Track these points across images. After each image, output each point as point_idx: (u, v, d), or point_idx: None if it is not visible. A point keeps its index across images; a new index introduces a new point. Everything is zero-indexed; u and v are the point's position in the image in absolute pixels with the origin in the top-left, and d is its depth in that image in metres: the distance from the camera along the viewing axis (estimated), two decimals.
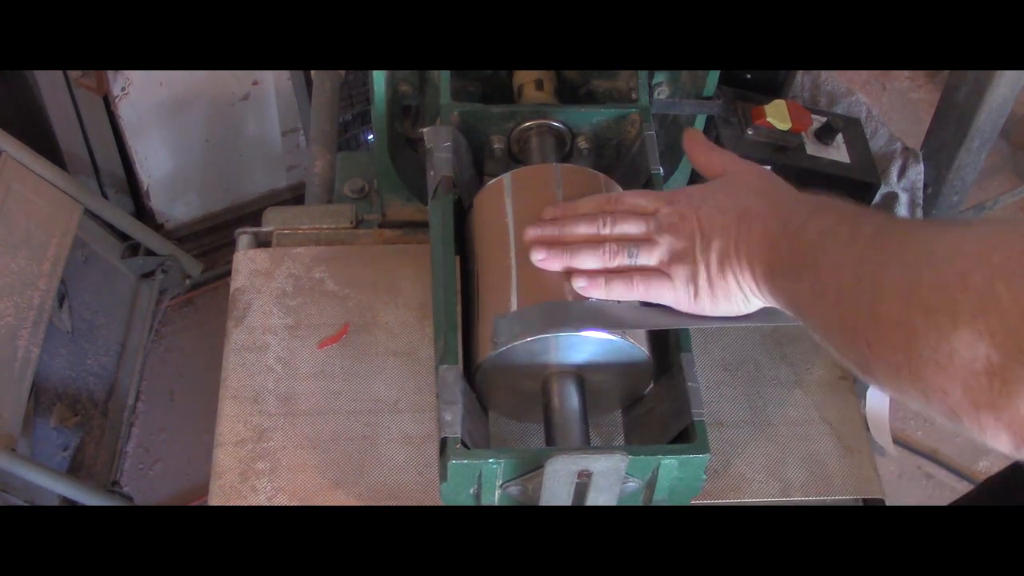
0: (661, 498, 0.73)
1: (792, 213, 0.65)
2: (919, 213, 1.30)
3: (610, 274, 0.71)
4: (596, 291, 0.71)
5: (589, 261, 0.72)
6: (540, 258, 0.72)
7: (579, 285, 0.71)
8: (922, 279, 0.52)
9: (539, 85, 0.92)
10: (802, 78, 1.32)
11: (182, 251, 2.00)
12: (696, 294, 0.69)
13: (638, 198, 0.73)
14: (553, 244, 0.73)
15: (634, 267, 0.71)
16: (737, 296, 0.68)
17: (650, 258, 0.70)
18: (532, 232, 0.74)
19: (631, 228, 0.71)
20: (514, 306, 0.73)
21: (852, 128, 1.19)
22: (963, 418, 0.51)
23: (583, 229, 0.73)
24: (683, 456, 0.70)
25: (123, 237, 1.92)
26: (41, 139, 1.74)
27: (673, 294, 0.70)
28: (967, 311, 0.50)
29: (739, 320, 0.71)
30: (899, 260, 0.55)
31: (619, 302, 0.73)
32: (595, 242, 0.72)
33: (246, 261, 0.96)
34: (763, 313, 0.70)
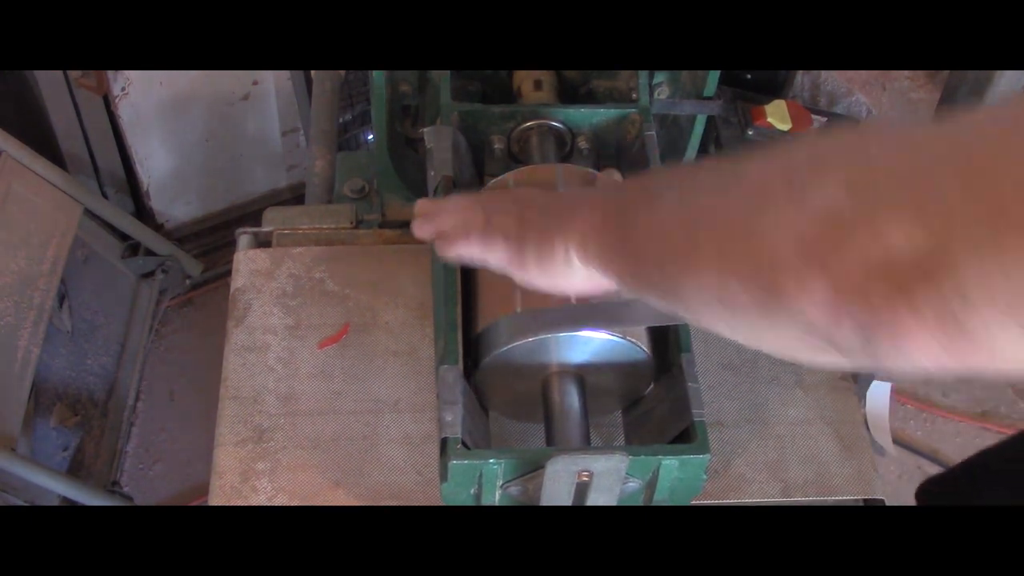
0: (661, 498, 0.73)
1: (640, 181, 0.67)
2: None
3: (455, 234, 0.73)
4: (445, 246, 0.73)
5: (446, 221, 0.74)
6: (415, 224, 0.75)
7: (437, 244, 0.74)
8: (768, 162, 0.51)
9: (539, 85, 0.92)
10: (802, 78, 1.32)
11: (182, 251, 2.00)
12: (526, 268, 0.69)
13: (493, 199, 0.75)
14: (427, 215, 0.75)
15: (484, 228, 0.72)
16: (560, 271, 0.68)
17: (500, 223, 0.71)
18: (421, 205, 0.76)
19: (497, 206, 0.73)
20: (518, 306, 0.73)
21: None
22: (782, 280, 0.47)
23: (455, 203, 0.75)
24: (683, 456, 0.70)
25: (123, 237, 1.92)
26: (41, 139, 1.74)
27: (505, 254, 0.70)
28: (835, 164, 0.47)
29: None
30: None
31: (619, 303, 0.74)
32: (460, 210, 0.74)
33: (246, 261, 0.96)
34: None
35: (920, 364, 0.44)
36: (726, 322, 0.53)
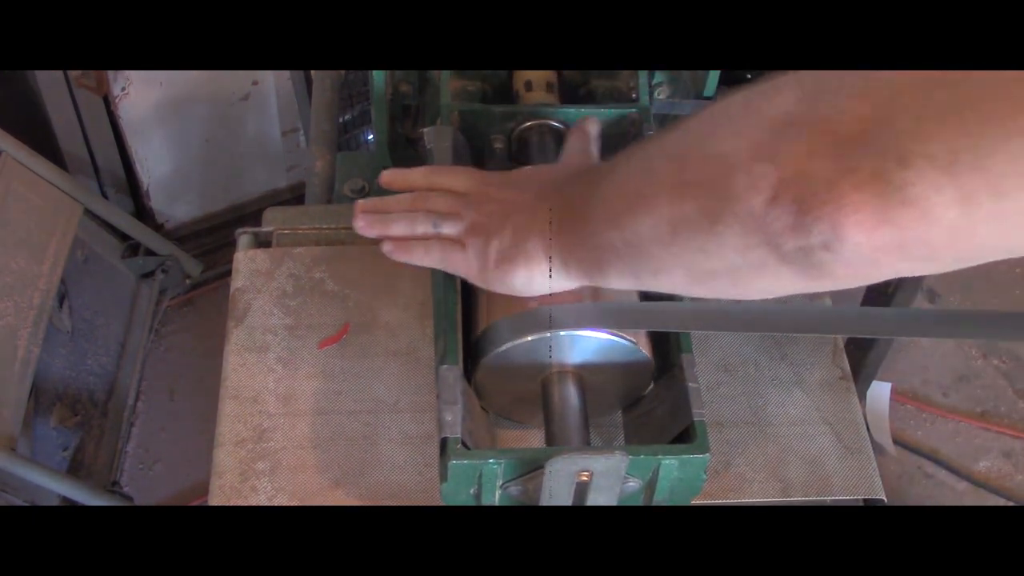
0: (661, 498, 0.73)
1: (600, 167, 0.67)
2: None
3: (414, 241, 0.75)
4: (399, 255, 0.75)
5: (398, 228, 0.76)
6: (359, 226, 0.77)
7: (385, 249, 0.76)
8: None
9: (539, 85, 0.92)
10: None
11: (182, 251, 2.00)
12: (484, 265, 0.71)
13: (456, 179, 0.76)
14: (375, 213, 0.77)
15: (436, 235, 0.74)
16: (522, 273, 0.69)
17: (452, 229, 0.73)
18: (361, 204, 0.78)
19: (441, 203, 0.75)
20: (519, 306, 0.73)
21: None
22: (733, 178, 0.49)
23: (403, 203, 0.77)
24: (683, 456, 0.71)
25: (123, 237, 1.92)
26: (41, 139, 1.74)
27: (465, 264, 0.72)
28: (791, 84, 0.50)
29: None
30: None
31: (619, 303, 0.74)
32: (409, 211, 0.76)
33: (246, 261, 0.96)
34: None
35: (857, 245, 0.45)
36: (676, 256, 0.55)
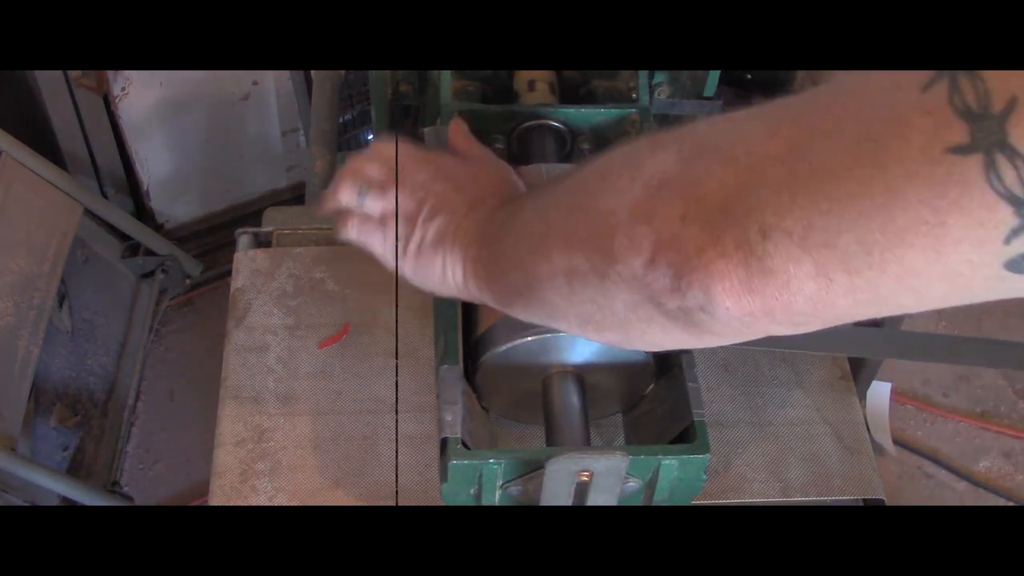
0: (661, 498, 0.73)
1: (516, 200, 0.67)
2: None
3: (340, 215, 0.72)
4: (335, 229, 0.72)
5: (327, 196, 0.72)
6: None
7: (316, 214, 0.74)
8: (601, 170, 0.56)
9: (539, 85, 0.92)
10: (802, 78, 1.32)
11: (182, 251, 2.00)
12: (403, 256, 0.69)
13: (390, 147, 0.73)
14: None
15: (359, 209, 0.71)
16: (437, 274, 0.68)
17: (375, 205, 0.70)
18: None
19: (375, 172, 0.71)
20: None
21: None
22: (616, 238, 0.51)
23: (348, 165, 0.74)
24: (683, 456, 0.71)
25: (123, 237, 1.92)
26: (41, 139, 1.74)
27: (381, 248, 0.70)
28: (668, 141, 0.52)
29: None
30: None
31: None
32: (345, 175, 0.72)
33: (246, 261, 0.96)
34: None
35: (727, 310, 0.47)
36: (574, 306, 0.57)
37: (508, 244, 0.62)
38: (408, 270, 0.69)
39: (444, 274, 0.67)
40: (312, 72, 1.49)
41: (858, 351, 0.71)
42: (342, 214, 0.72)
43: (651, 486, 0.73)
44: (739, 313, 0.47)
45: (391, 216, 0.69)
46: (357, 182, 0.71)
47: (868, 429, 0.90)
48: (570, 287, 0.55)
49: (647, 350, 0.57)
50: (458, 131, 0.80)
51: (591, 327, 0.57)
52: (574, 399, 0.75)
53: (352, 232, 0.71)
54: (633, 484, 0.72)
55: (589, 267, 0.53)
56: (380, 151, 0.73)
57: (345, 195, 0.71)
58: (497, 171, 0.75)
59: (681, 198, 0.48)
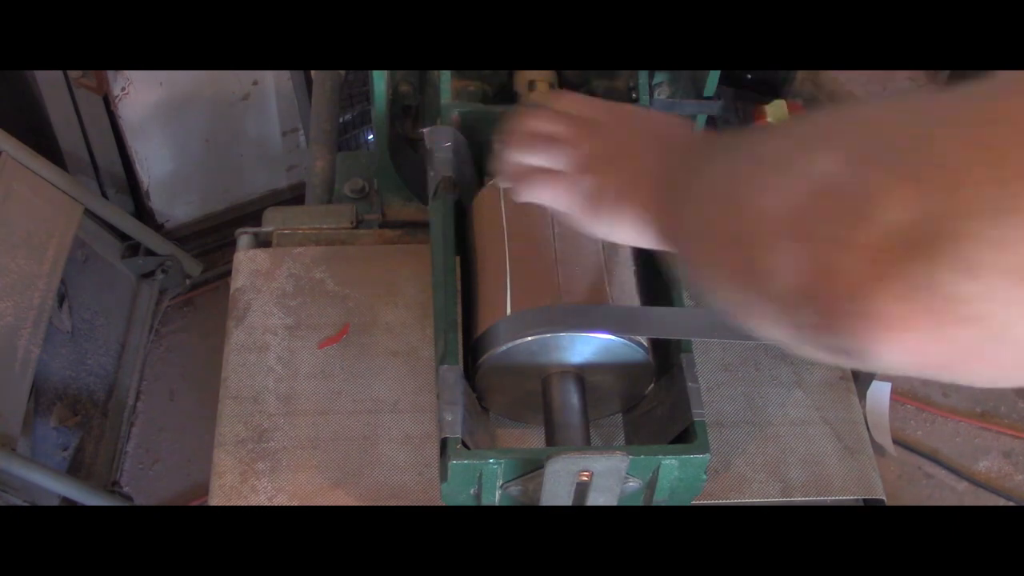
0: (661, 498, 0.73)
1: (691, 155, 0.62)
2: None
3: (523, 174, 0.69)
4: (518, 195, 0.69)
5: (514, 156, 0.69)
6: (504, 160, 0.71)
7: (502, 185, 0.71)
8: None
9: (539, 85, 0.92)
10: (802, 78, 1.32)
11: (182, 251, 2.00)
12: (583, 205, 0.65)
13: (582, 104, 0.71)
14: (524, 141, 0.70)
15: (544, 168, 0.68)
16: (628, 223, 0.64)
17: (566, 161, 0.67)
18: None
19: (563, 128, 0.68)
20: (508, 309, 0.73)
21: None
22: (763, 249, 0.43)
23: (527, 124, 0.70)
24: (683, 456, 0.71)
25: (123, 237, 1.92)
26: (41, 139, 1.74)
27: (568, 199, 0.66)
28: (829, 135, 0.44)
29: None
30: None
31: (622, 308, 0.74)
32: (530, 138, 0.69)
33: (246, 261, 0.96)
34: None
35: (890, 359, 0.39)
36: (733, 291, 0.49)
37: (687, 213, 0.56)
38: (586, 220, 0.66)
39: (622, 224, 0.63)
40: (312, 72, 1.49)
41: None
42: (524, 174, 0.68)
43: (651, 486, 0.73)
44: (911, 365, 0.38)
45: (578, 169, 0.66)
46: (547, 143, 0.67)
47: (868, 429, 0.90)
48: (732, 277, 0.48)
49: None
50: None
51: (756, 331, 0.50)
52: (574, 399, 0.75)
53: (541, 190, 0.67)
54: (633, 484, 0.72)
55: (730, 271, 0.47)
56: (556, 103, 0.70)
57: (528, 154, 0.68)
58: (664, 115, 0.71)
59: (847, 214, 0.39)
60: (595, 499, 0.71)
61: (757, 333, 0.47)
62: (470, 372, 0.75)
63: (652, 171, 0.63)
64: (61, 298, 1.74)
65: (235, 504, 0.81)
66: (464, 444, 0.70)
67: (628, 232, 0.65)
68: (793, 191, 0.42)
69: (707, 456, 0.71)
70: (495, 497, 0.72)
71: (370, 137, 1.62)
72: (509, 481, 0.71)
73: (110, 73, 1.74)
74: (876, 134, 0.41)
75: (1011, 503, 1.84)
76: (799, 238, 0.41)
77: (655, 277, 0.80)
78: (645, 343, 0.75)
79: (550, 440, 0.74)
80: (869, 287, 0.37)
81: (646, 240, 0.64)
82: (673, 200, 0.60)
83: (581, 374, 0.76)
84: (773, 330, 0.45)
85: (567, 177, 0.67)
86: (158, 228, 2.03)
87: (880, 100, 0.47)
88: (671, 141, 0.65)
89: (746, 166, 0.49)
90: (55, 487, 1.54)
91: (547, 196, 0.68)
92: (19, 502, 1.51)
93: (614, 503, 0.72)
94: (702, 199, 0.54)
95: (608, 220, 0.65)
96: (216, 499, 0.82)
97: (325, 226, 1.00)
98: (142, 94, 1.81)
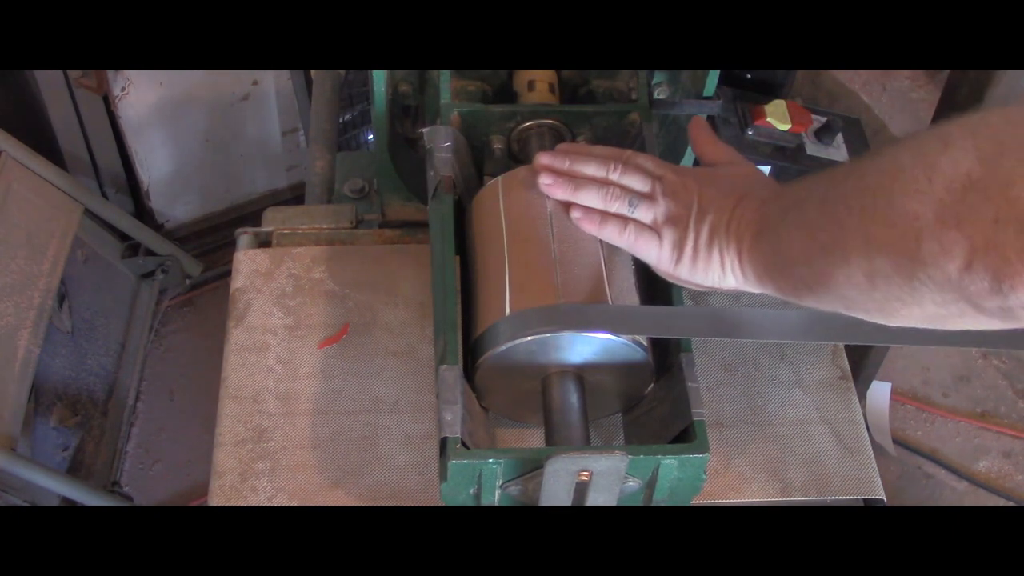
0: (661, 498, 0.73)
1: (786, 195, 0.68)
2: None
3: (607, 215, 0.74)
4: (591, 226, 0.75)
5: (591, 198, 0.75)
6: (547, 183, 0.76)
7: (575, 216, 0.75)
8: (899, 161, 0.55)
9: (539, 85, 0.92)
10: (802, 78, 1.32)
11: (182, 251, 2.00)
12: (679, 259, 0.72)
13: (647, 161, 0.76)
14: (561, 174, 0.76)
15: (629, 217, 0.74)
16: (716, 270, 0.71)
17: (647, 214, 0.73)
18: (544, 159, 0.77)
19: (636, 182, 0.74)
20: (507, 309, 0.73)
21: (852, 128, 1.19)
22: (923, 243, 0.51)
23: (592, 169, 0.76)
24: (683, 456, 0.71)
25: (123, 237, 1.92)
26: (41, 139, 1.74)
27: (658, 253, 0.73)
28: (962, 137, 0.51)
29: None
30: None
31: (619, 304, 0.74)
32: (600, 184, 0.75)
33: (246, 261, 0.96)
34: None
35: None
36: (876, 302, 0.57)
37: (792, 239, 0.63)
38: (685, 271, 0.72)
39: (723, 268, 0.70)
40: (312, 72, 1.49)
41: (854, 338, 0.71)
42: (612, 218, 0.74)
43: (651, 486, 0.73)
44: None
45: (664, 222, 0.72)
46: (625, 192, 0.74)
47: (868, 429, 0.90)
48: (871, 285, 0.56)
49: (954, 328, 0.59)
50: (700, 131, 0.81)
51: (896, 319, 0.58)
52: (573, 399, 0.75)
53: (628, 238, 0.73)
54: (633, 484, 0.72)
55: (893, 270, 0.54)
56: (630, 158, 0.76)
57: (617, 204, 0.74)
58: (749, 168, 0.76)
59: (991, 201, 0.48)
60: (595, 499, 0.71)
61: (898, 319, 0.57)
62: (469, 372, 0.75)
63: (748, 226, 0.69)
64: (61, 298, 1.74)
65: (235, 504, 0.81)
66: (464, 444, 0.70)
67: (735, 279, 0.70)
68: (935, 190, 0.50)
69: (707, 456, 0.71)
70: (495, 497, 0.72)
71: (370, 137, 1.62)
72: (509, 481, 0.71)
73: (110, 73, 1.74)
74: (1001, 130, 0.50)
75: (1011, 503, 1.84)
76: (954, 227, 0.49)
77: (655, 277, 0.80)
78: (645, 343, 0.75)
79: (550, 440, 0.74)
80: (941, 226, 0.48)
81: (750, 285, 0.70)
82: (772, 229, 0.66)
83: (581, 374, 0.76)
84: (937, 309, 0.53)
85: (650, 228, 0.73)
86: (158, 228, 2.03)
87: (992, 109, 0.55)
88: (749, 191, 0.71)
89: (879, 179, 0.56)
90: (55, 487, 1.54)
91: (637, 246, 0.73)
92: (19, 502, 1.51)
93: (614, 503, 0.72)
94: (817, 224, 0.60)
95: (709, 267, 0.71)
96: (216, 499, 0.82)
97: (325, 226, 1.00)
98: (142, 94, 1.81)
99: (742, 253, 0.69)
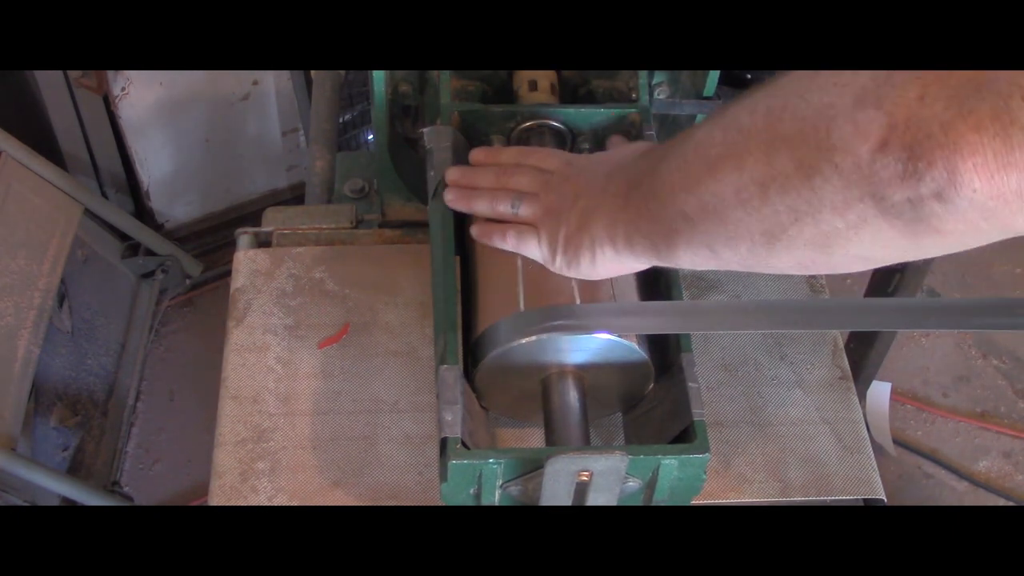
0: (661, 498, 0.73)
1: (673, 138, 0.64)
2: None
3: (493, 223, 0.75)
4: (483, 238, 0.75)
5: (480, 206, 0.76)
6: (449, 199, 0.78)
7: (473, 233, 0.76)
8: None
9: (539, 85, 0.92)
10: None
11: (182, 251, 2.00)
12: (554, 252, 0.70)
13: (547, 157, 0.76)
14: (464, 187, 0.77)
15: (514, 218, 0.73)
16: (586, 255, 0.68)
17: (529, 211, 0.72)
18: (451, 174, 0.79)
19: (524, 181, 0.74)
20: (508, 309, 0.73)
21: None
22: (835, 128, 0.47)
23: (489, 179, 0.77)
24: (683, 456, 0.71)
25: (123, 237, 1.92)
26: (41, 139, 1.74)
27: (539, 250, 0.72)
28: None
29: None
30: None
31: (620, 304, 0.74)
32: (490, 191, 0.75)
33: (246, 261, 0.96)
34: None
35: (974, 192, 0.43)
36: (764, 222, 0.53)
37: (672, 176, 0.59)
38: (564, 265, 0.70)
39: (593, 252, 0.67)
40: (312, 72, 1.49)
41: (860, 324, 0.66)
42: (495, 225, 0.75)
43: (651, 486, 0.73)
44: (989, 194, 0.42)
45: (542, 217, 0.71)
46: (510, 194, 0.74)
47: (868, 429, 0.90)
48: (763, 196, 0.51)
49: (843, 271, 0.54)
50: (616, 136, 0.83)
51: (780, 244, 0.53)
52: (573, 399, 0.75)
53: (511, 241, 0.73)
54: (633, 484, 0.72)
55: (795, 167, 0.49)
56: (525, 158, 0.76)
57: (502, 206, 0.74)
58: (645, 144, 0.76)
59: (918, 80, 0.44)
60: (595, 499, 0.71)
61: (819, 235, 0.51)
62: (470, 372, 0.75)
63: (615, 197, 0.66)
64: (61, 298, 1.74)
65: (235, 504, 0.81)
66: (464, 444, 0.70)
67: (608, 256, 0.67)
68: (858, 79, 0.47)
69: (707, 456, 0.71)
70: (495, 497, 0.72)
71: (370, 137, 1.62)
72: (509, 481, 0.71)
73: (110, 73, 1.74)
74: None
75: (1011, 503, 1.84)
76: (873, 106, 0.45)
77: (655, 277, 0.80)
78: (644, 343, 0.75)
79: (550, 440, 0.74)
80: (949, 124, 0.42)
81: (628, 257, 0.66)
82: (647, 175, 0.62)
83: (581, 374, 0.76)
84: (834, 217, 0.49)
85: (532, 225, 0.72)
86: (158, 228, 2.03)
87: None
88: (622, 162, 0.69)
89: (796, 82, 0.52)
90: (55, 487, 1.54)
91: (519, 246, 0.73)
92: (19, 502, 1.51)
93: (614, 503, 0.72)
94: (703, 145, 0.57)
95: (580, 254, 0.68)
96: (216, 499, 0.82)
97: (325, 226, 1.00)
98: (142, 94, 1.81)
99: (616, 222, 0.64)
